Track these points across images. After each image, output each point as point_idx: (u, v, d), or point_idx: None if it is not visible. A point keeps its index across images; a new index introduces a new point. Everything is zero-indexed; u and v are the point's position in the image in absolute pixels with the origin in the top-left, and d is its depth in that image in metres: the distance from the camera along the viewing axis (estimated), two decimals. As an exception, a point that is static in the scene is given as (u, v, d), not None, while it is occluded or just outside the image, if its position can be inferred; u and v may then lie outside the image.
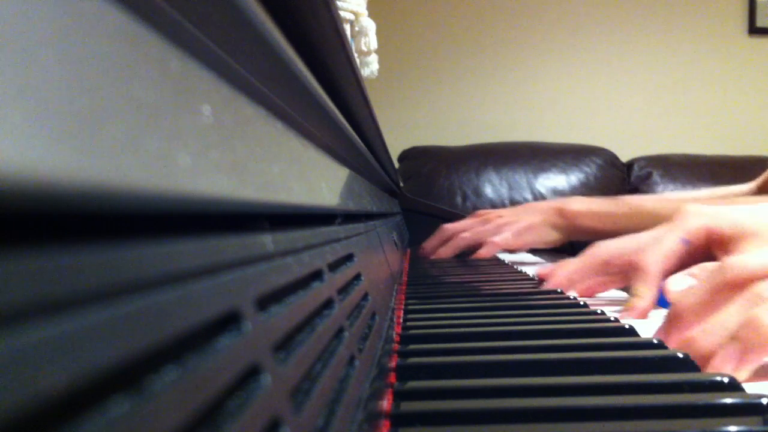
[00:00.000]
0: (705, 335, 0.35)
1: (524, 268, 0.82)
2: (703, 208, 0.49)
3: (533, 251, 1.30)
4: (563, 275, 0.56)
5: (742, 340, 0.33)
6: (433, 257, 1.05)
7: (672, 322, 0.38)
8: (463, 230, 1.04)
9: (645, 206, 0.94)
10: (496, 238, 1.01)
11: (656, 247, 0.50)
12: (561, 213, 0.99)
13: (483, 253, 1.01)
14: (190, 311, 0.11)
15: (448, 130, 2.27)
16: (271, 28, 0.19)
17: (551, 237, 1.00)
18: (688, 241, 0.49)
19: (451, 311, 0.47)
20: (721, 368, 0.32)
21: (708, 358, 0.34)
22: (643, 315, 0.49)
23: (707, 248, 0.49)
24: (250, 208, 0.17)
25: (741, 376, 0.32)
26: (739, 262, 0.37)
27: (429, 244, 1.07)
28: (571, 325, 0.40)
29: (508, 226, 1.01)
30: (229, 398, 0.12)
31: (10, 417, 0.06)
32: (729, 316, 0.35)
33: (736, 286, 0.36)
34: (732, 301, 0.36)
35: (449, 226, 1.07)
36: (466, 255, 1.04)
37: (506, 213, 1.05)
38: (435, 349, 0.35)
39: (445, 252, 1.04)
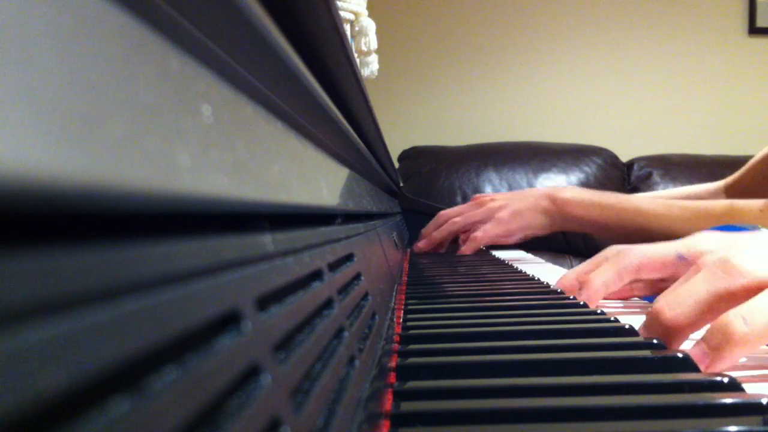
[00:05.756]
0: (672, 306, 0.35)
1: (524, 268, 0.82)
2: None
3: (533, 251, 1.30)
4: (600, 283, 0.53)
5: (708, 343, 0.33)
6: (426, 243, 1.07)
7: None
8: (457, 215, 1.07)
9: (631, 201, 0.95)
10: (477, 233, 1.03)
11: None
12: (551, 199, 1.00)
13: (464, 249, 1.03)
14: (190, 311, 0.11)
15: (448, 130, 2.27)
16: (271, 28, 0.19)
17: (540, 222, 1.01)
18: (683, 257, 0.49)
19: (451, 311, 0.47)
20: None
21: (673, 327, 0.34)
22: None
23: None
24: (250, 208, 0.17)
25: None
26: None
27: (426, 229, 1.10)
28: (571, 325, 0.40)
29: (498, 212, 1.03)
30: (229, 398, 0.12)
31: (10, 417, 0.06)
32: (695, 286, 0.35)
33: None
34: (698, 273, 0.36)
35: (444, 212, 1.10)
36: (453, 250, 1.06)
37: (500, 197, 1.07)
38: (435, 349, 0.35)
39: (438, 235, 1.07)
